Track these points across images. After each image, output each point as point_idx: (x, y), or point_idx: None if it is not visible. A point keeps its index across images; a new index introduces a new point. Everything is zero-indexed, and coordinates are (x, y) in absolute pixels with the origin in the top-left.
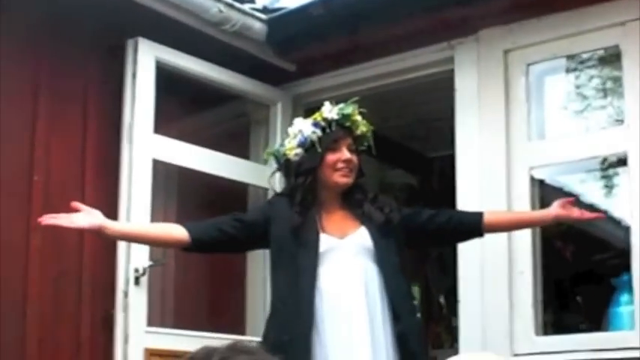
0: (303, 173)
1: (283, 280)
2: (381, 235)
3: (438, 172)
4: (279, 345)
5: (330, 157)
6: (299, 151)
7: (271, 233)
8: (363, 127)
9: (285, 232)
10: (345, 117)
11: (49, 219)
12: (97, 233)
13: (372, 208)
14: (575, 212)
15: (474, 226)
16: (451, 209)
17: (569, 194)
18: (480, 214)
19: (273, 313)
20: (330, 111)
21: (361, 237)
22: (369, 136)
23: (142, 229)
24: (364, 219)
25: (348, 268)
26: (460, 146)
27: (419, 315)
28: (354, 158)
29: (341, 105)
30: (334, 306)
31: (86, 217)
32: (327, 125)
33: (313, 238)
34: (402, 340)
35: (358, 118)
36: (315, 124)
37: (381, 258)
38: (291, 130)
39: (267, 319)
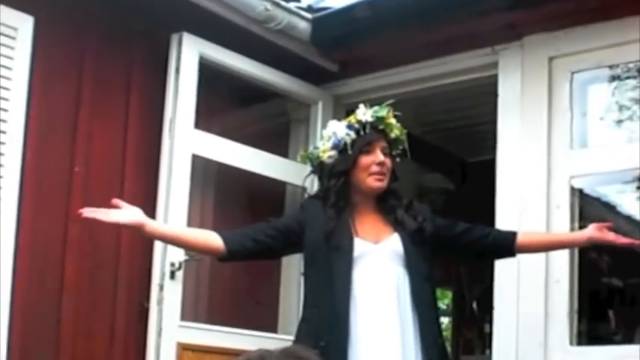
0: (336, 175)
1: (317, 285)
2: (413, 242)
3: (476, 177)
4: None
5: (364, 160)
6: (333, 153)
7: (305, 238)
8: (396, 130)
9: (319, 237)
10: (380, 119)
11: (89, 212)
12: (136, 230)
13: (406, 215)
14: (610, 236)
15: (506, 246)
16: (486, 226)
17: (606, 204)
18: (513, 235)
19: (307, 318)
20: (364, 113)
21: (394, 243)
22: (403, 139)
23: (180, 233)
24: (397, 225)
25: (381, 273)
26: (501, 152)
27: (445, 320)
28: (388, 161)
29: (375, 107)
30: (368, 311)
31: (125, 214)
32: (361, 128)
33: (347, 243)
34: (424, 350)
35: (392, 121)
36: (349, 127)
37: (411, 265)
38: (326, 133)
39: (300, 324)
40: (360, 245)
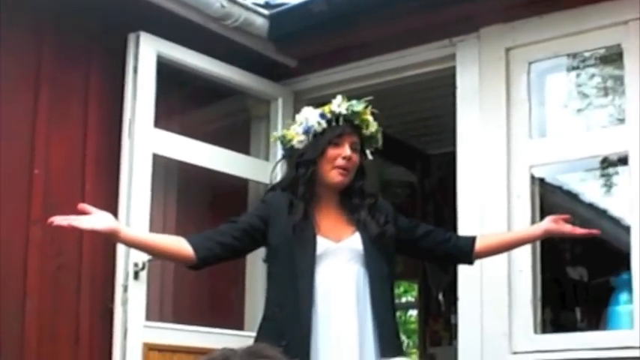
0: (304, 164)
1: (280, 282)
2: (373, 243)
3: (437, 169)
4: None
5: (331, 152)
6: (303, 138)
7: (269, 233)
8: (372, 127)
9: (284, 231)
10: (354, 114)
11: (60, 220)
12: (108, 237)
13: (369, 217)
14: (567, 227)
15: (464, 254)
16: (447, 231)
17: (568, 193)
18: (472, 242)
19: (269, 316)
20: (339, 105)
21: (355, 242)
22: (378, 137)
23: (151, 240)
24: (359, 225)
25: (342, 273)
26: (461, 144)
27: (413, 313)
28: (355, 157)
29: (353, 101)
30: (328, 311)
31: (98, 220)
32: (333, 118)
33: (310, 240)
34: (382, 350)
35: (369, 117)
36: (322, 115)
37: (370, 265)
38: (298, 117)
39: (262, 322)
40: (322, 243)
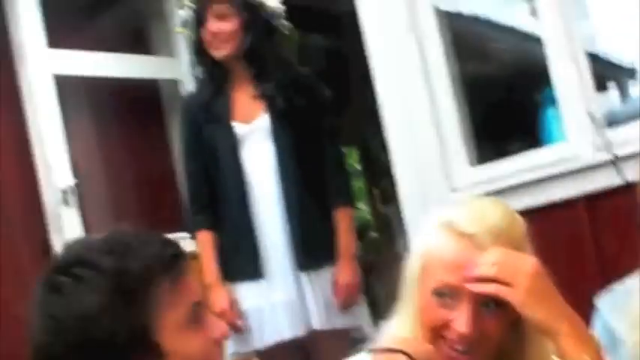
0: (196, 53)
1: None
2: (278, 115)
3: (348, 29)
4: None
5: (203, 33)
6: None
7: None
8: None
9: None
10: None
11: None
12: None
13: (275, 90)
14: None
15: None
16: (335, 170)
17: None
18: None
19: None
20: None
21: (264, 121)
22: None
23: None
24: (267, 99)
25: (257, 155)
26: None
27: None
28: (224, 24)
29: None
30: (252, 194)
31: None
32: (193, 2)
33: (226, 126)
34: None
35: None
36: (183, 7)
37: (278, 143)
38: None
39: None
40: (236, 127)
